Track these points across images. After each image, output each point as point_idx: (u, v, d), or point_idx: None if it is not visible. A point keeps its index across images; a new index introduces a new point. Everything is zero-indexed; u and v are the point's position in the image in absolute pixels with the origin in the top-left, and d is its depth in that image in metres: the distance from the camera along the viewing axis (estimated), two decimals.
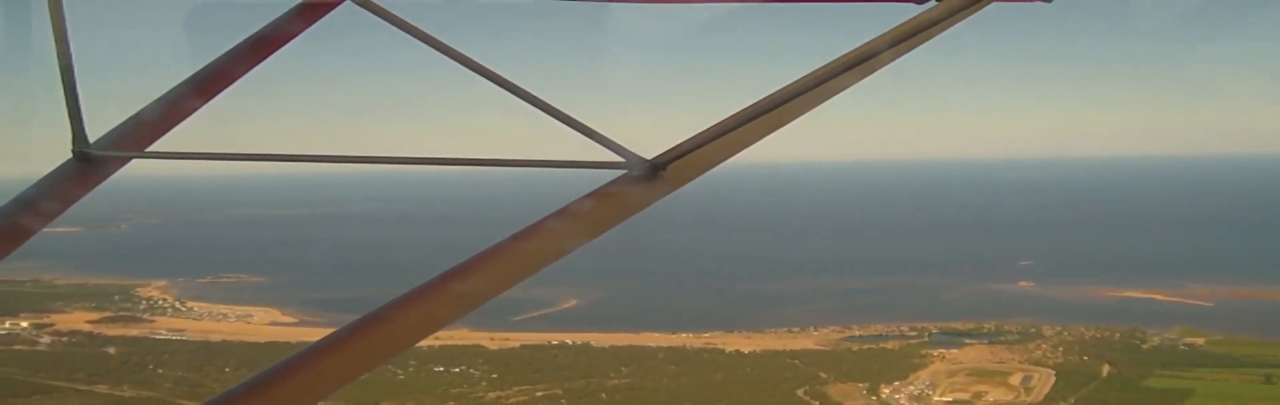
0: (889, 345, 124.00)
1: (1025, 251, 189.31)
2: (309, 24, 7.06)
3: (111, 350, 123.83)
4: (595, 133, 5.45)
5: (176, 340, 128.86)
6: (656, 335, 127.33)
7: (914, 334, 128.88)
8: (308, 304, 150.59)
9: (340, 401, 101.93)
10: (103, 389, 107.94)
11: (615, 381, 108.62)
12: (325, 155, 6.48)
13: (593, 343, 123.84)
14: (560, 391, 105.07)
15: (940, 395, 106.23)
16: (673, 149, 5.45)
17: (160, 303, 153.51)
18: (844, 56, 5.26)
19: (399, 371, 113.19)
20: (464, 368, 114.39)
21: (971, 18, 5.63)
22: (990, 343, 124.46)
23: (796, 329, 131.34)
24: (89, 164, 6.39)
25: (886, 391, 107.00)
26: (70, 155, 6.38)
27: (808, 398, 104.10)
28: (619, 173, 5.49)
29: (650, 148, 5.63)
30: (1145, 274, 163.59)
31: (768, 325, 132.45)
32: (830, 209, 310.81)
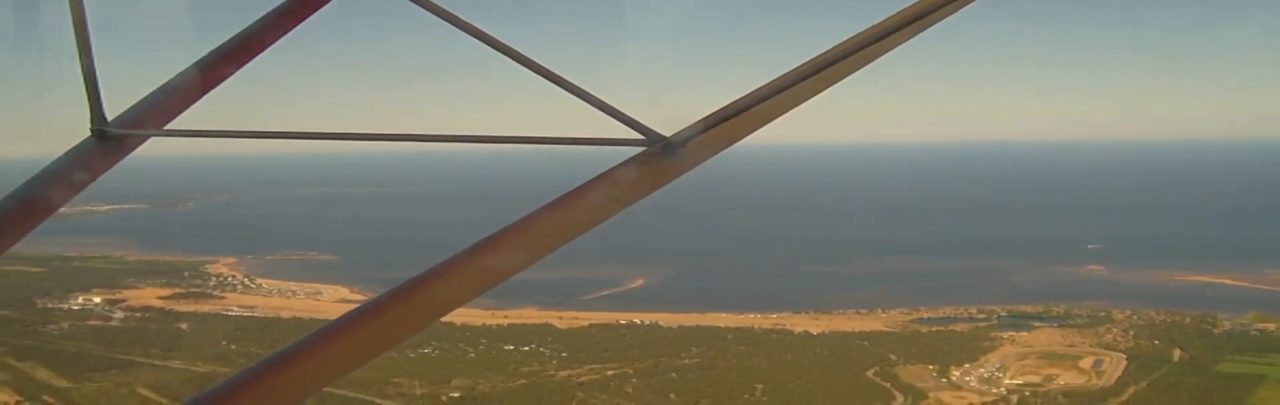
0: (958, 327, 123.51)
1: (1092, 235, 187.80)
2: (325, 1, 7.02)
3: (184, 326, 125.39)
4: (614, 109, 5.43)
5: (248, 316, 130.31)
6: (724, 316, 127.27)
7: (983, 316, 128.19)
8: (376, 282, 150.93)
9: (414, 378, 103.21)
10: (178, 364, 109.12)
11: (685, 361, 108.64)
12: (342, 133, 6.46)
13: (661, 323, 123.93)
14: (630, 371, 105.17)
15: (1011, 378, 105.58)
16: (691, 126, 5.43)
17: (230, 279, 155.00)
18: (864, 32, 5.27)
19: (470, 349, 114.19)
20: (534, 346, 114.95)
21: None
22: (1060, 326, 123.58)
23: (864, 311, 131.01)
24: (107, 142, 6.47)
25: (956, 374, 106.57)
26: (88, 133, 6.46)
27: (878, 379, 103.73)
28: (638, 150, 5.49)
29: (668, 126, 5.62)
30: (1215, 258, 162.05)
31: (835, 307, 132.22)
32: (889, 191, 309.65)
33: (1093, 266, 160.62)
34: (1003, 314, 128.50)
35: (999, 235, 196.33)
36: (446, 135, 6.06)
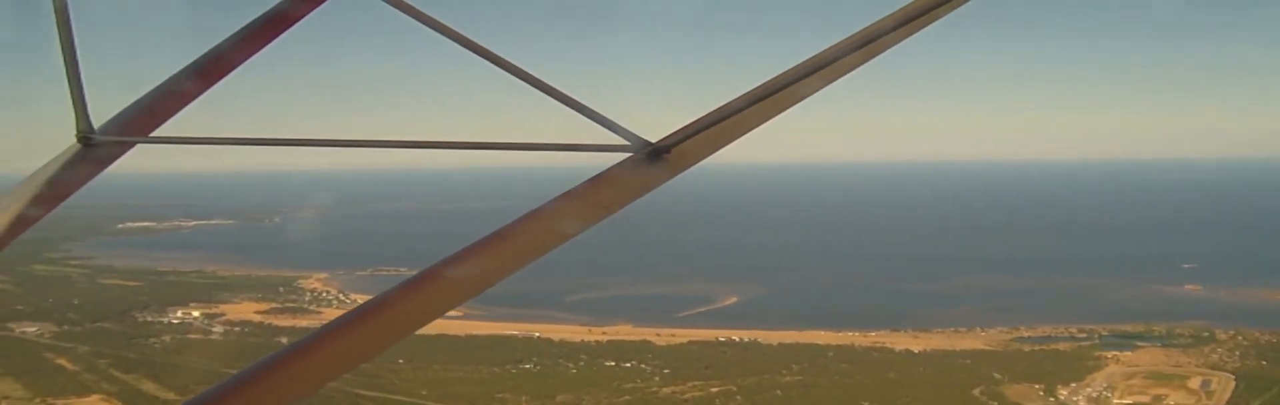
0: (1060, 346, 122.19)
1: (1186, 254, 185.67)
2: (311, 8, 7.00)
3: (284, 340, 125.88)
4: (600, 116, 5.40)
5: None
6: (823, 333, 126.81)
7: (1084, 335, 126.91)
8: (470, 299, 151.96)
9: (518, 394, 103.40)
10: None
11: (788, 378, 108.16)
12: (330, 139, 6.52)
13: (760, 340, 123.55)
14: (734, 388, 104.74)
15: (1119, 398, 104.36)
16: (676, 132, 5.44)
17: (324, 295, 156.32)
18: (846, 39, 5.20)
19: (571, 365, 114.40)
20: (634, 362, 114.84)
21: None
22: (1163, 346, 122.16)
23: (963, 329, 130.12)
24: (93, 149, 6.45)
25: (1064, 393, 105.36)
26: (74, 141, 6.43)
27: (985, 398, 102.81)
28: (623, 156, 5.47)
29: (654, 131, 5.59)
30: None
31: (933, 325, 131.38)
32: (976, 209, 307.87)
33: (1189, 286, 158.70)
34: (1104, 333, 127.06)
35: (1087, 253, 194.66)
36: (435, 142, 6.15)
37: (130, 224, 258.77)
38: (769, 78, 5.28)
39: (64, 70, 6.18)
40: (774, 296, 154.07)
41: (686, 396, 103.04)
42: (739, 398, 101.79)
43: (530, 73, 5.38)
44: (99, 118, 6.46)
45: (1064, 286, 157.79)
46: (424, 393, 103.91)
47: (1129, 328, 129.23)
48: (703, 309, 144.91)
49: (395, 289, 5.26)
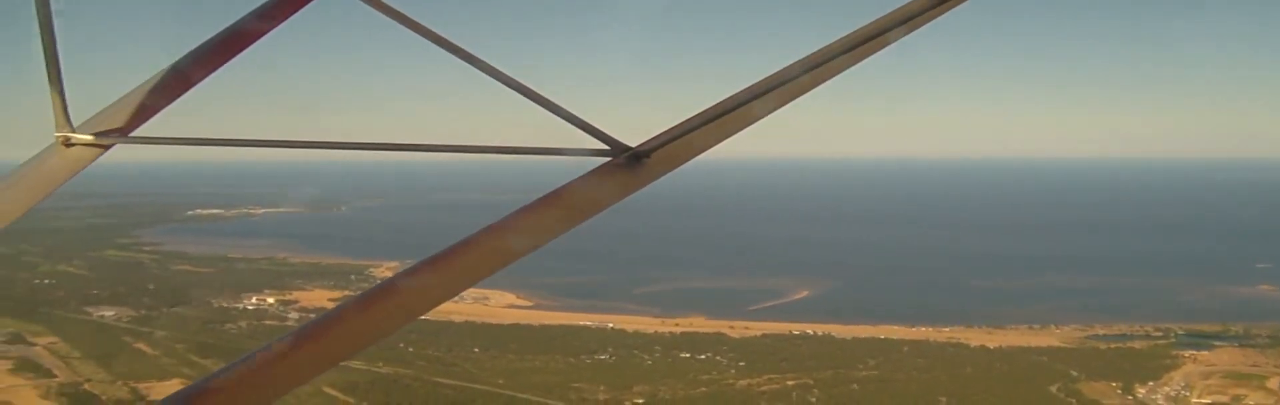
0: (1135, 345, 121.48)
1: (1259, 254, 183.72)
2: (294, 10, 6.93)
3: None
4: (580, 120, 5.41)
5: (421, 320, 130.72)
6: (896, 328, 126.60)
7: (1159, 334, 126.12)
8: (539, 288, 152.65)
9: (595, 384, 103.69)
10: (358, 365, 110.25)
11: (863, 373, 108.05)
12: (306, 141, 6.52)
13: (834, 334, 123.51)
14: (811, 381, 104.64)
15: (1198, 397, 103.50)
16: (657, 137, 5.42)
17: None
18: (832, 44, 5.14)
19: (646, 357, 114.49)
20: (709, 355, 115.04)
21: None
22: (1240, 345, 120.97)
23: (1037, 326, 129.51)
24: (72, 149, 6.49)
25: (1142, 391, 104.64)
26: (53, 140, 6.48)
27: (1062, 395, 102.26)
28: (604, 159, 5.46)
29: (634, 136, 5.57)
30: None
31: (1007, 322, 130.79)
32: (1032, 206, 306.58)
33: (1264, 286, 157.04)
34: (1180, 332, 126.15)
35: (1156, 252, 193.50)
36: (415, 144, 6.11)
37: (199, 211, 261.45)
38: (752, 82, 5.25)
39: (45, 71, 6.24)
40: (844, 291, 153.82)
41: (763, 389, 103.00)
42: (816, 391, 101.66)
43: (511, 76, 5.41)
44: (79, 118, 6.55)
45: (1136, 285, 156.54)
46: (501, 381, 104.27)
47: (1205, 327, 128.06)
48: (773, 302, 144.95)
49: (383, 285, 5.31)
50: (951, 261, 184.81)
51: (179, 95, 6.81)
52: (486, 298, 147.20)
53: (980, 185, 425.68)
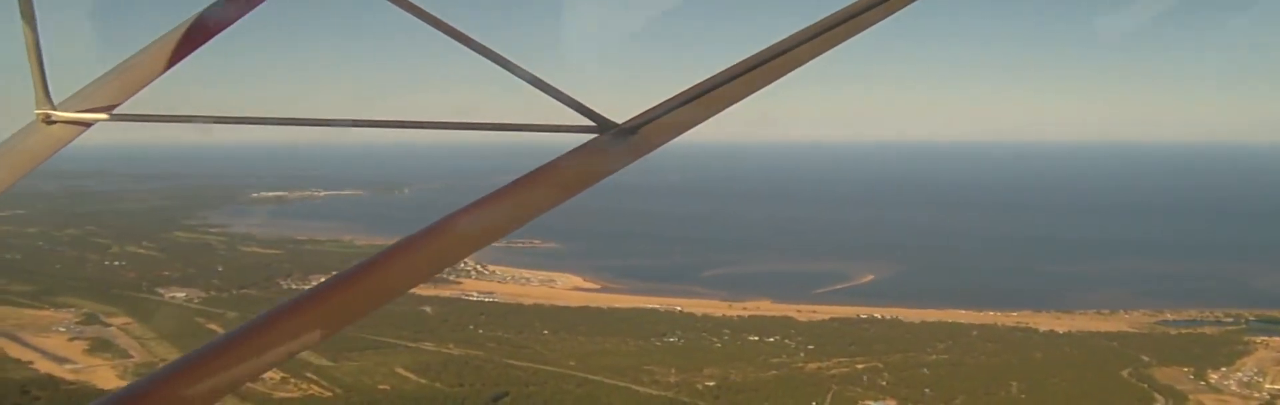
0: (1206, 330, 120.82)
1: None
2: None
3: (428, 310, 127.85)
4: (566, 96, 5.40)
5: (489, 302, 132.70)
6: (964, 312, 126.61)
7: (1230, 320, 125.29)
8: (604, 271, 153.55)
9: (666, 367, 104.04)
10: (429, 346, 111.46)
11: (933, 357, 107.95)
12: (286, 118, 6.43)
13: (902, 318, 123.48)
14: (880, 365, 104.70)
15: (1272, 383, 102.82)
16: (644, 113, 5.39)
17: (463, 266, 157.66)
18: (821, 21, 5.17)
19: (715, 340, 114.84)
20: (778, 338, 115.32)
21: None
22: None
23: (1106, 311, 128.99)
24: (53, 126, 6.45)
25: (1214, 377, 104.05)
26: (34, 118, 6.42)
27: (1134, 380, 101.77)
28: (590, 136, 5.40)
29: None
30: None
31: (1075, 307, 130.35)
32: (1098, 190, 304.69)
33: None
34: (1251, 318, 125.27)
35: (1224, 238, 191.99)
36: (402, 121, 6.08)
37: (264, 193, 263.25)
38: (740, 58, 5.28)
39: (25, 46, 6.22)
40: (909, 274, 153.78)
41: (833, 373, 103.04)
42: (887, 375, 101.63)
43: (496, 51, 5.37)
44: (60, 95, 6.50)
45: (1205, 270, 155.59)
46: (572, 364, 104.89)
47: (1276, 313, 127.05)
48: (840, 286, 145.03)
49: (365, 262, 5.22)
50: (1014, 245, 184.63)
51: (163, 72, 6.81)
52: (554, 280, 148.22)
53: (1031, 169, 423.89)
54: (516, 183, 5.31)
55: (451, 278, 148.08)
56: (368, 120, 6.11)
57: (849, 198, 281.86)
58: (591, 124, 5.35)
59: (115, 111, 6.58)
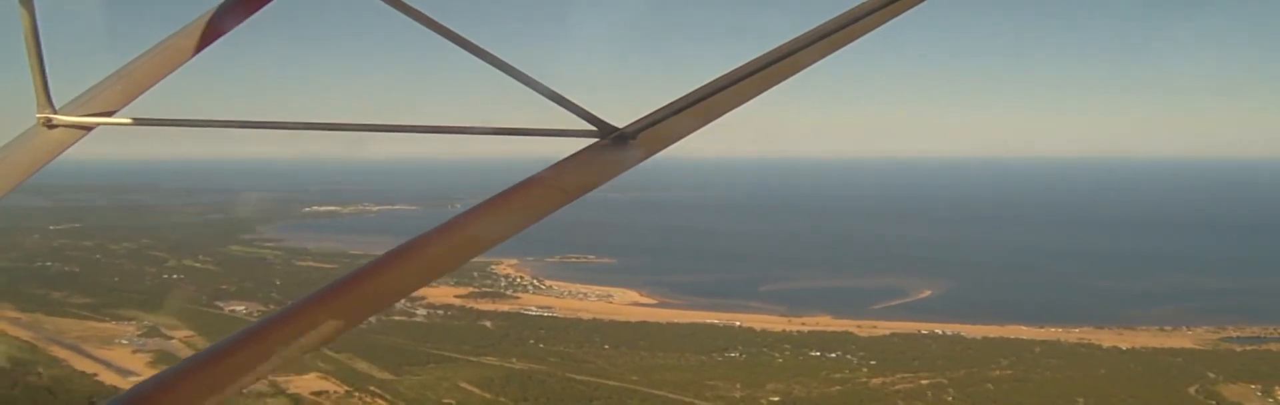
0: (1272, 347, 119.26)
1: None
2: None
3: (488, 324, 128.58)
4: (566, 100, 5.36)
5: (547, 317, 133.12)
6: (1024, 328, 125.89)
7: None
8: (660, 286, 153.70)
9: (730, 382, 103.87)
10: (491, 360, 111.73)
11: (997, 373, 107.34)
12: (291, 122, 6.34)
13: (963, 333, 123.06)
14: (945, 381, 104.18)
15: None
16: (644, 118, 5.38)
17: (518, 280, 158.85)
18: (821, 26, 5.15)
19: (776, 355, 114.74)
20: (839, 353, 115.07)
21: None
22: None
23: (1168, 327, 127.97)
24: (54, 131, 6.44)
25: None
26: (35, 122, 6.41)
27: (1202, 397, 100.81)
28: (590, 141, 5.40)
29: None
30: None
31: (1136, 323, 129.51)
32: (1140, 206, 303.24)
33: None
34: None
35: (1273, 253, 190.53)
36: (402, 125, 6.13)
37: (316, 208, 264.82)
38: (739, 63, 5.30)
39: (25, 51, 6.21)
40: (967, 290, 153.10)
41: (897, 388, 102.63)
42: (951, 390, 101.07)
43: (497, 56, 5.38)
44: (61, 99, 6.50)
45: (1265, 287, 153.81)
46: (634, 378, 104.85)
47: None
48: (897, 301, 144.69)
49: (366, 267, 5.29)
50: (1069, 261, 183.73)
51: (164, 76, 6.84)
52: (611, 295, 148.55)
53: (1056, 183, 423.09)
54: (518, 187, 5.37)
55: (509, 292, 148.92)
56: (370, 125, 6.19)
57: (884, 213, 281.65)
58: (592, 128, 5.39)
59: (117, 115, 6.61)
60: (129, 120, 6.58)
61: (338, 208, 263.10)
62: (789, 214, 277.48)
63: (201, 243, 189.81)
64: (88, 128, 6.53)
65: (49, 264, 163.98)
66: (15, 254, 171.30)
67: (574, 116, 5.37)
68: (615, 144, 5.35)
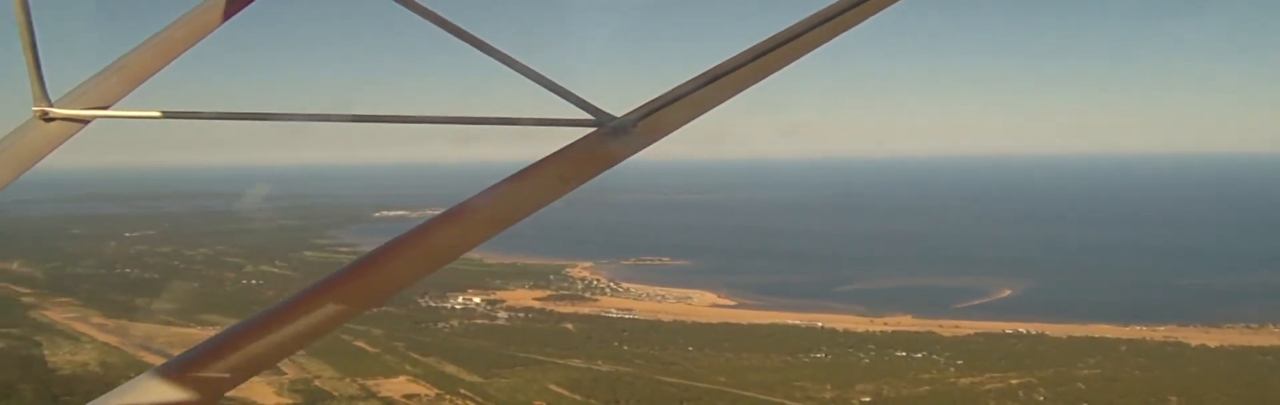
0: None
1: None
2: None
3: (569, 326, 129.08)
4: (564, 90, 5.39)
5: (628, 319, 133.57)
6: (1108, 327, 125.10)
7: None
8: (739, 287, 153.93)
9: (819, 383, 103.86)
10: (577, 363, 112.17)
11: (1085, 372, 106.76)
12: (286, 113, 6.42)
13: (1047, 333, 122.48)
14: (1034, 380, 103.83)
15: None
16: (643, 106, 5.35)
17: (594, 283, 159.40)
18: (818, 13, 5.15)
19: (862, 356, 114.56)
20: (925, 353, 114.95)
21: None
22: None
23: (1254, 325, 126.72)
24: (51, 124, 6.43)
25: None
26: (31, 116, 6.41)
27: None
28: (589, 130, 5.36)
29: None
30: None
31: (1221, 321, 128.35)
32: (1201, 202, 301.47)
33: None
34: None
35: None
36: (398, 116, 6.15)
37: (386, 212, 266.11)
38: (736, 52, 5.28)
39: (21, 44, 6.21)
40: (1047, 289, 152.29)
41: (986, 388, 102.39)
42: (1042, 390, 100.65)
43: (494, 46, 5.40)
44: (57, 92, 6.51)
45: None
46: (722, 380, 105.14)
47: None
48: (978, 301, 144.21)
49: (362, 260, 5.32)
50: (1147, 258, 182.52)
51: (160, 68, 6.84)
52: (690, 297, 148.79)
53: (1138, 182, 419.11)
54: (516, 176, 5.39)
55: (587, 295, 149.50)
56: (365, 116, 6.27)
57: (949, 212, 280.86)
58: (590, 117, 5.40)
59: (113, 108, 6.65)
60: (126, 113, 6.67)
61: (406, 212, 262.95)
62: (853, 214, 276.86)
63: (276, 248, 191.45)
64: (85, 121, 6.58)
65: (129, 271, 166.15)
66: (94, 261, 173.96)
67: (573, 106, 5.42)
68: (614, 133, 5.37)
